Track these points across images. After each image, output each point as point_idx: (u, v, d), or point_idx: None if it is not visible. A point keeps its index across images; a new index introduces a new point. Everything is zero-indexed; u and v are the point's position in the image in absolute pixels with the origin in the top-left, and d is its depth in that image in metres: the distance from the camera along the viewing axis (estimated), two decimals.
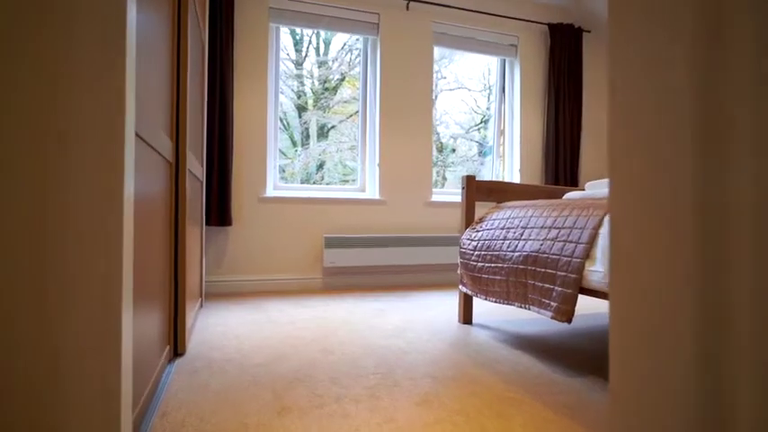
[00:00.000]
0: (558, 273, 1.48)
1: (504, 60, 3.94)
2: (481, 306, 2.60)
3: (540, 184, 3.85)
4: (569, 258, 1.45)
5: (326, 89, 3.63)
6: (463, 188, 2.23)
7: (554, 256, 1.52)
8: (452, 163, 3.99)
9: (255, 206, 3.08)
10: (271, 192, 3.19)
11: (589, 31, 3.95)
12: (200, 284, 2.47)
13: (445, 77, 3.84)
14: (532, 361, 1.63)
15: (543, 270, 1.55)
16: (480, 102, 3.92)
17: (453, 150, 4.00)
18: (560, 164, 3.82)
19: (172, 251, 1.60)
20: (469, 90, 3.84)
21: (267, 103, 3.12)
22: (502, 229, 1.91)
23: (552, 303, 1.48)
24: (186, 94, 1.68)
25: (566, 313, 1.42)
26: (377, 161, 3.43)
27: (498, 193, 2.27)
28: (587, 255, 1.41)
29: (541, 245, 1.60)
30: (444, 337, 1.94)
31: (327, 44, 3.62)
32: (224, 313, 2.34)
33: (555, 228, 1.59)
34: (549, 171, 3.82)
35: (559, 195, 2.30)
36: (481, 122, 3.97)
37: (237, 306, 2.53)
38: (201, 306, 2.48)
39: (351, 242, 3.18)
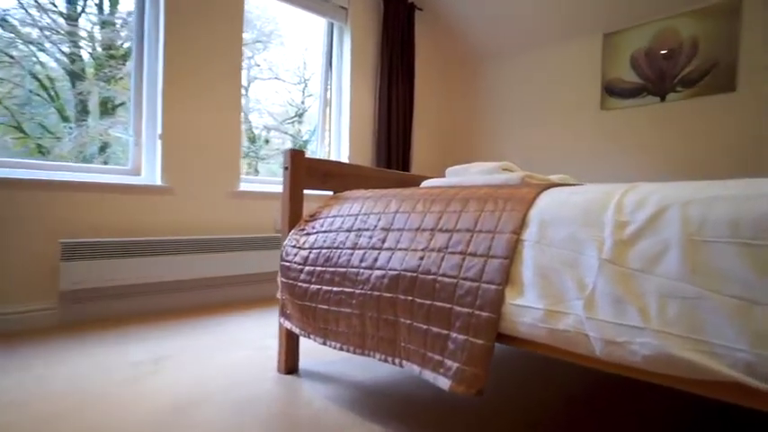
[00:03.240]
0: (457, 308, 0.87)
1: (333, 25, 3.30)
2: None
3: None
4: (476, 283, 0.86)
5: (113, 57, 2.49)
6: (286, 168, 1.48)
7: (447, 279, 0.90)
8: (266, 155, 3.32)
9: None
10: None
11: (421, 9, 3.62)
12: None
13: (259, 65, 3.19)
14: None
15: (429, 302, 0.92)
16: (295, 95, 3.38)
17: (267, 142, 3.34)
18: (393, 150, 3.38)
19: None
20: (284, 81, 3.25)
21: None
22: (349, 231, 1.23)
23: (448, 363, 0.87)
24: None
25: (474, 382, 0.82)
26: (158, 132, 2.38)
27: (338, 178, 1.59)
28: (507, 277, 0.83)
29: (422, 259, 0.97)
30: (260, 413, 1.15)
31: (114, 2, 2.49)
32: None
33: (443, 231, 0.98)
34: (382, 157, 3.35)
35: (416, 184, 1.75)
36: (295, 116, 3.43)
37: None
38: None
39: (111, 250, 2.08)
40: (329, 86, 3.33)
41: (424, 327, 0.92)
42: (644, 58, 2.89)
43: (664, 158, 2.77)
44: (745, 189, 0.64)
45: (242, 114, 2.69)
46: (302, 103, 3.45)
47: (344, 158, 3.29)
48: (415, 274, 0.96)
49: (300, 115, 3.49)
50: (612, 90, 3.02)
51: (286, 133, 3.45)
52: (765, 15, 2.42)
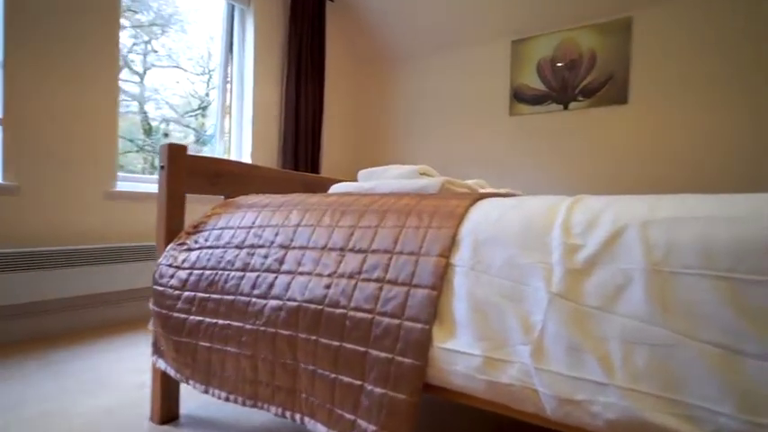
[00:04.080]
0: (373, 352, 0.69)
1: (234, 7, 2.96)
2: None
3: None
4: (396, 320, 0.68)
5: None
6: (162, 167, 1.19)
7: (360, 315, 0.72)
8: None
9: None
10: None
11: (332, 0, 3.41)
12: None
13: (156, 51, 2.80)
14: None
15: (337, 344, 0.73)
16: (199, 87, 3.05)
17: (166, 135, 2.96)
18: (301, 150, 3.13)
19: None
20: (185, 71, 2.90)
21: None
22: (239, 247, 0.99)
23: (362, 424, 0.68)
24: None
25: None
26: None
27: (231, 180, 1.33)
28: (435, 313, 0.66)
29: (329, 287, 0.77)
30: None
31: None
32: None
33: (355, 251, 0.79)
34: (288, 158, 3.08)
35: (324, 188, 1.54)
36: (199, 109, 3.09)
37: None
38: None
39: None
40: (230, 78, 2.99)
41: (332, 375, 0.72)
42: (548, 67, 2.97)
43: (569, 164, 2.87)
44: (711, 209, 0.54)
45: (135, 103, 2.28)
46: (206, 95, 3.10)
47: (247, 158, 2.97)
48: (319, 307, 0.76)
49: (204, 108, 3.13)
50: (520, 96, 3.08)
51: (188, 127, 3.07)
52: (653, 34, 2.60)
